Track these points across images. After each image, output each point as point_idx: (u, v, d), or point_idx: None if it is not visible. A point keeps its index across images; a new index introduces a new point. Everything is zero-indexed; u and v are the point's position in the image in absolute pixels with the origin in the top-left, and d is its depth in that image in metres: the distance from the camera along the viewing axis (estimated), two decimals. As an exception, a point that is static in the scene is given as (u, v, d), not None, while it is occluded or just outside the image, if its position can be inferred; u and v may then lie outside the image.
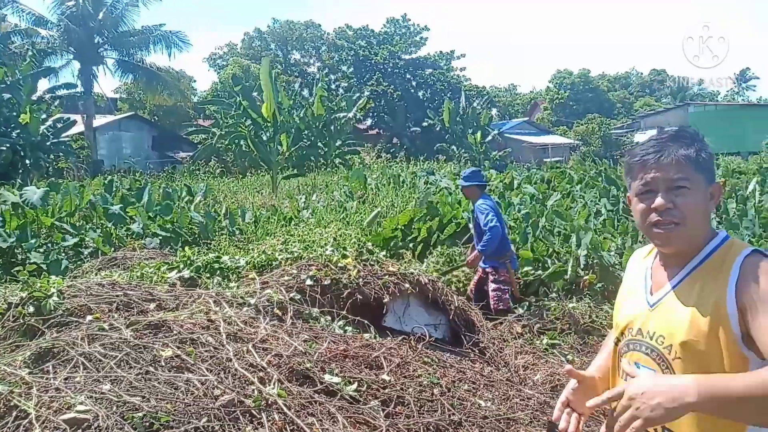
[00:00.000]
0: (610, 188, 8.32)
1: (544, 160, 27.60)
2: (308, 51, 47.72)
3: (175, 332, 2.78)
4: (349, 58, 38.95)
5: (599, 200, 7.70)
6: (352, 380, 2.87)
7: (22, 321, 2.81)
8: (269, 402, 2.30)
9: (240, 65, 39.49)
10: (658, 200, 1.30)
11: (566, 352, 4.29)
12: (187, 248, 4.30)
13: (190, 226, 7.46)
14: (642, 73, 62.61)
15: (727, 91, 59.76)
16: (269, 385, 2.44)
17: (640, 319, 1.39)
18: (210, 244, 6.07)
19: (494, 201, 5.33)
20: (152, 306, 3.08)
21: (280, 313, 3.48)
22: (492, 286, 5.00)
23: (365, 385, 2.88)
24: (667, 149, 1.33)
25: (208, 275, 3.81)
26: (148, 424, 1.99)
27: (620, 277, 5.32)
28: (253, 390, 2.37)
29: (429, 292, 4.27)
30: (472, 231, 5.49)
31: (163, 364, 2.45)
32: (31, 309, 2.86)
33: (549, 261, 5.57)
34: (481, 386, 3.45)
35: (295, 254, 4.09)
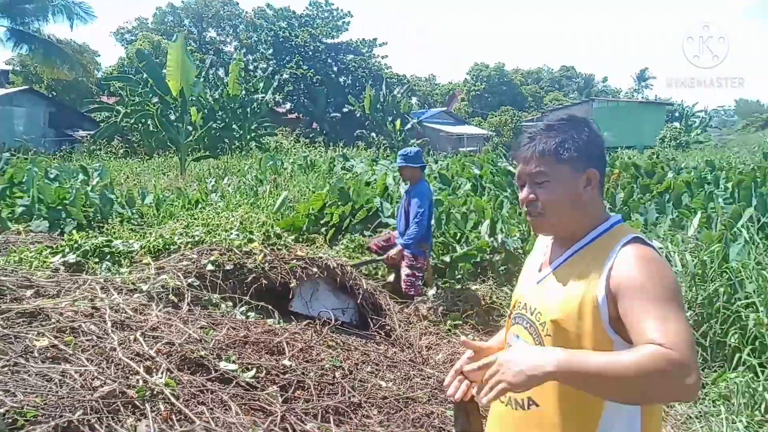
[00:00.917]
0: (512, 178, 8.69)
1: (460, 149, 28.37)
2: (225, 29, 45.87)
3: (53, 321, 2.56)
4: (269, 38, 37.79)
5: (505, 189, 8.03)
6: (250, 366, 2.79)
7: None
8: (155, 392, 2.18)
9: (150, 41, 37.21)
10: (522, 193, 1.40)
11: (467, 332, 4.43)
12: (74, 231, 3.97)
13: (84, 209, 6.94)
14: (552, 69, 65.87)
15: (628, 89, 64.30)
16: (156, 375, 2.31)
17: (528, 294, 1.44)
18: (103, 227, 5.67)
19: (431, 188, 5.07)
20: (29, 293, 2.82)
21: (176, 300, 3.32)
22: (406, 270, 4.89)
23: (264, 371, 2.82)
24: (530, 143, 1.38)
25: (97, 260, 3.55)
26: (11, 420, 1.82)
27: (522, 260, 5.60)
28: (138, 380, 2.23)
29: (338, 277, 4.25)
30: (399, 214, 5.12)
31: (36, 354, 2.25)
32: None
33: (458, 246, 5.73)
34: (384, 367, 3.49)
35: (197, 239, 3.91)
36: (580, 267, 1.32)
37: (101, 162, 11.42)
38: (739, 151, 15.65)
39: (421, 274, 4.95)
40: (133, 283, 3.29)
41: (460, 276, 5.46)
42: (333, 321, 3.81)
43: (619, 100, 48.03)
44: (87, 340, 2.49)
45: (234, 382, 2.57)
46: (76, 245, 3.57)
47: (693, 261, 3.87)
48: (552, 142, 1.34)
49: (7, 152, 18.87)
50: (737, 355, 3.06)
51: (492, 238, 5.72)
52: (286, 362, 2.97)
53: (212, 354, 2.75)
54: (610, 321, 1.24)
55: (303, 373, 2.92)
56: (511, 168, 7.83)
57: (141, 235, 4.19)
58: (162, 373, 2.34)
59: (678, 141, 29.63)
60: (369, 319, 4.28)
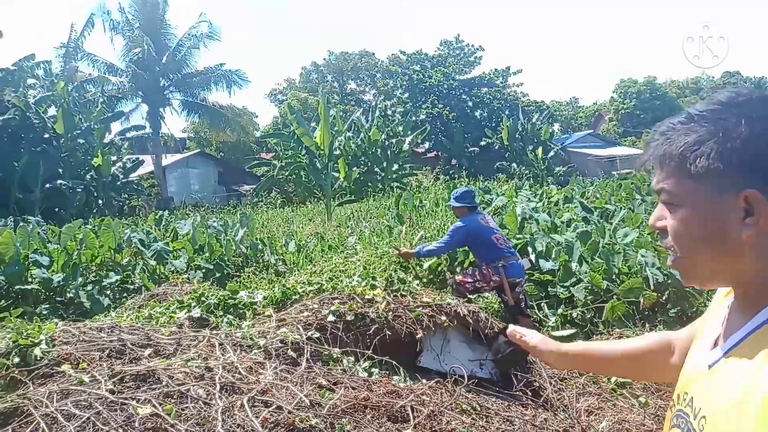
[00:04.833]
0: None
1: (613, 172, 26.13)
2: (363, 80, 48.45)
3: (163, 384, 2.44)
4: (404, 83, 39.00)
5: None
6: (366, 438, 2.42)
7: (5, 372, 2.57)
8: (250, 475, 1.89)
9: (299, 98, 40.57)
10: (652, 216, 0.91)
11: (638, 393, 3.61)
12: (197, 284, 4.02)
13: (234, 258, 7.29)
14: (713, 78, 59.02)
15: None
16: (255, 452, 2.03)
17: (696, 381, 0.89)
18: (239, 277, 5.82)
19: (480, 223, 5.19)
20: (147, 352, 2.76)
21: (294, 356, 3.09)
22: (468, 278, 5.14)
23: (383, 445, 2.42)
24: (658, 141, 0.85)
25: (221, 313, 3.49)
26: None
27: (697, 297, 4.57)
28: (234, 459, 1.97)
29: (470, 325, 3.76)
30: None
31: (137, 425, 2.10)
32: (17, 359, 2.62)
33: (611, 285, 4.87)
34: (532, 440, 2.90)
35: (317, 286, 3.71)
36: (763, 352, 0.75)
37: (246, 214, 12.24)
38: None
39: (476, 283, 5.08)
40: (251, 338, 3.13)
41: (609, 319, 4.62)
42: (466, 378, 3.31)
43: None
44: (193, 407, 2.31)
45: (345, 460, 2.21)
46: (200, 299, 3.56)
47: None
48: (678, 144, 0.81)
49: (185, 208, 21.41)
50: None
51: (653, 271, 4.78)
52: (410, 433, 2.55)
53: (324, 422, 2.43)
54: None
55: (429, 448, 2.47)
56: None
57: (268, 284, 4.12)
58: (262, 449, 2.06)
59: None
60: (512, 375, 3.70)
